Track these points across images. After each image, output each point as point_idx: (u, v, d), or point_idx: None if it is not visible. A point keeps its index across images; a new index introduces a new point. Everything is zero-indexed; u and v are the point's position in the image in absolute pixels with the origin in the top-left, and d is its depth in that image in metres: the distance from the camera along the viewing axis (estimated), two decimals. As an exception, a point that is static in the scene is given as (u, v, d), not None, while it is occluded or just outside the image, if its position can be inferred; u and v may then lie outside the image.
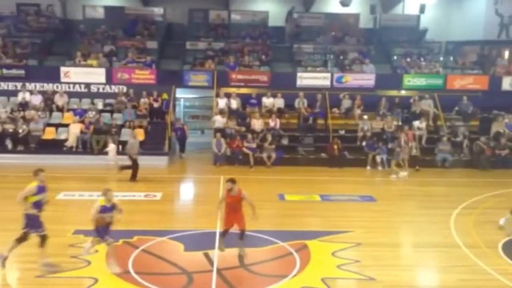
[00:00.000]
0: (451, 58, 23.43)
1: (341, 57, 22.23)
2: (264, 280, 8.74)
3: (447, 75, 21.06)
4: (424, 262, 9.98)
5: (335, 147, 17.91)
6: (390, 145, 17.15)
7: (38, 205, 8.56)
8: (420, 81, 20.77)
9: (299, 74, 20.78)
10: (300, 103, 19.71)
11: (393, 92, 20.94)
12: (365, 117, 19.08)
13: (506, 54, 24.34)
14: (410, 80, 20.75)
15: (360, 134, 18.68)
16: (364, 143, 18.24)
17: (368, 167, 17.72)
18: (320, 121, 19.69)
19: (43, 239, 8.60)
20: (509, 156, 18.01)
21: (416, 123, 18.87)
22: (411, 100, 19.96)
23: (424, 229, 11.72)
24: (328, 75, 20.74)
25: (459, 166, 17.96)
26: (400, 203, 13.83)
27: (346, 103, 19.95)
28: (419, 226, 11.95)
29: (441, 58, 23.33)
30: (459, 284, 8.78)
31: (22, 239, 8.60)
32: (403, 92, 21.06)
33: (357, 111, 19.61)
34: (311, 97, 19.85)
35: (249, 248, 9.90)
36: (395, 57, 22.91)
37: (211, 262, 9.33)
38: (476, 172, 17.44)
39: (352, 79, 20.61)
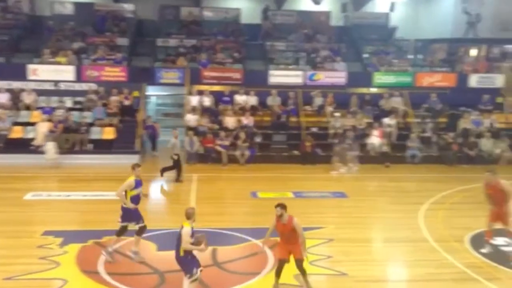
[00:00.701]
0: (420, 56, 23.83)
1: (313, 55, 22.37)
2: (238, 278, 8.76)
3: (416, 72, 21.41)
4: (394, 257, 10.18)
5: (308, 144, 18.03)
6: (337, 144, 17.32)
7: (136, 198, 9.06)
8: (390, 79, 21.07)
9: (271, 72, 20.84)
10: (273, 100, 19.77)
11: (364, 90, 21.20)
12: (337, 114, 19.26)
13: (473, 52, 24.93)
14: (380, 78, 21.03)
15: (332, 131, 18.85)
16: (336, 141, 18.40)
17: (340, 164, 17.90)
18: (293, 119, 19.79)
19: (142, 229, 9.10)
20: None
21: (386, 120, 19.15)
22: (381, 100, 20.21)
23: (394, 224, 11.93)
24: (300, 72, 20.85)
25: (428, 162, 18.30)
26: (371, 199, 14.03)
27: (318, 100, 20.10)
28: (389, 222, 12.16)
29: (411, 56, 23.70)
30: (428, 277, 8.98)
31: (121, 232, 9.04)
32: (373, 90, 21.33)
33: (329, 109, 19.78)
34: (284, 95, 19.93)
35: (222, 247, 9.91)
36: (365, 55, 23.17)
37: (183, 261, 9.28)
38: (444, 168, 17.80)
39: (324, 77, 20.77)
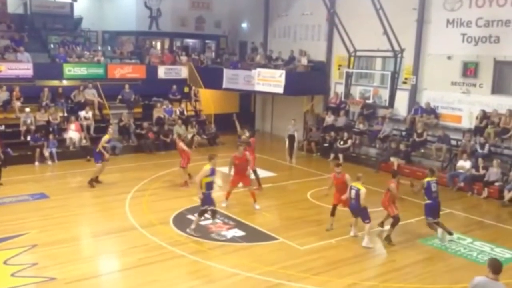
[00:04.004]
0: (109, 48, 23.94)
1: (-9, 44, 19.84)
2: None
3: (107, 64, 21.41)
4: (105, 250, 10.14)
5: (-6, 145, 15.98)
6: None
7: (210, 185, 10.39)
8: (82, 71, 20.45)
9: None
10: None
11: (55, 82, 20.05)
12: (27, 109, 17.68)
13: (158, 44, 26.51)
14: (71, 70, 20.22)
15: (23, 128, 17.24)
16: (29, 138, 16.94)
17: (37, 163, 16.64)
18: (-28, 118, 17.22)
19: (214, 212, 10.68)
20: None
21: (83, 113, 18.67)
22: (75, 91, 19.53)
23: (102, 217, 11.87)
24: (-23, 64, 18.22)
25: (128, 152, 18.74)
26: (75, 196, 13.49)
27: (3, 95, 18.01)
28: (97, 216, 12.02)
29: (100, 48, 23.56)
30: (139, 263, 9.29)
31: (202, 213, 10.55)
32: (65, 82, 20.40)
33: (17, 104, 17.99)
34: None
35: None
36: (51, 46, 21.91)
37: None
38: (144, 156, 18.51)
39: (6, 69, 18.68)
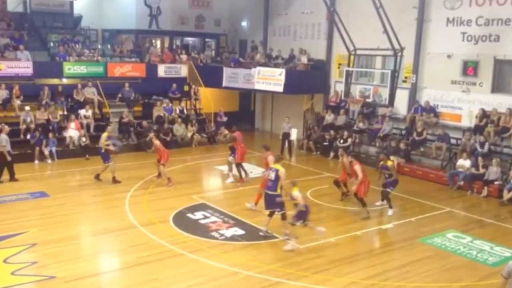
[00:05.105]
0: (109, 46, 23.91)
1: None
2: None
3: (107, 62, 21.39)
4: (104, 249, 10.13)
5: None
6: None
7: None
8: (81, 69, 20.44)
9: None
10: None
11: (55, 81, 20.03)
12: (27, 108, 17.66)
13: (158, 43, 26.49)
14: (71, 68, 20.21)
15: (23, 126, 17.22)
16: (29, 136, 16.93)
17: (36, 161, 16.64)
18: (-28, 116, 17.20)
19: (284, 216, 10.41)
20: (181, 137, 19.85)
21: (82, 112, 18.66)
22: (74, 91, 19.52)
23: (101, 216, 11.85)
24: (-24, 63, 18.20)
25: (128, 150, 18.72)
26: (75, 195, 13.48)
27: (2, 93, 18.00)
28: (96, 214, 12.00)
29: (99, 46, 23.54)
30: (138, 261, 9.27)
31: (284, 217, 10.40)
32: (65, 81, 20.39)
33: (17, 102, 17.99)
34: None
35: None
36: (51, 44, 21.90)
37: None
38: (143, 155, 18.44)
39: (6, 67, 18.67)
